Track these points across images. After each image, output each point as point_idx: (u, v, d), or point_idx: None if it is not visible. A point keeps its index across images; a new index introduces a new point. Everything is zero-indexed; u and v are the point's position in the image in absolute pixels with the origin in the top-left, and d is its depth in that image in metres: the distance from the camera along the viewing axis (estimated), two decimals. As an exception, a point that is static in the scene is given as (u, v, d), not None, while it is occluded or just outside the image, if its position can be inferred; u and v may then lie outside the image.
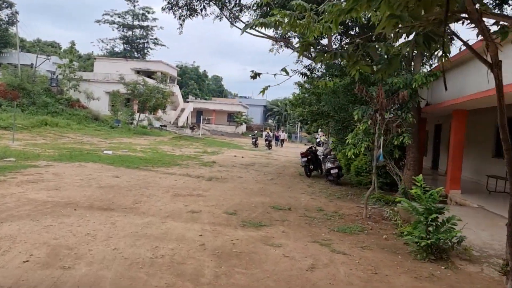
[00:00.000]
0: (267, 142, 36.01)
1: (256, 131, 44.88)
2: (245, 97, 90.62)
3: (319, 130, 55.00)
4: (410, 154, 12.45)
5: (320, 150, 18.13)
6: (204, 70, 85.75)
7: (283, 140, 43.87)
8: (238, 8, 14.62)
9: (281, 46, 15.76)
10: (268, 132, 40.02)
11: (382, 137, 9.41)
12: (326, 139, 49.82)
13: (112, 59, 56.36)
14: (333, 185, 13.88)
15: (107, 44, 70.79)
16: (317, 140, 56.79)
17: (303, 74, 14.34)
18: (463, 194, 11.53)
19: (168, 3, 14.42)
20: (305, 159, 16.05)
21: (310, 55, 13.22)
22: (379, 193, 11.41)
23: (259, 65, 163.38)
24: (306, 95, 13.89)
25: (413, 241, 6.19)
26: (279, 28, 4.81)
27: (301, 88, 13.59)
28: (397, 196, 11.81)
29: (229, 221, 7.46)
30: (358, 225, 7.86)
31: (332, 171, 13.94)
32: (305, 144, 52.77)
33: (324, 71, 13.34)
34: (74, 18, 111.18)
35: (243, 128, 67.81)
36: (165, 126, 46.22)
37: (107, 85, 43.00)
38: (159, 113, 43.67)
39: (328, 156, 14.58)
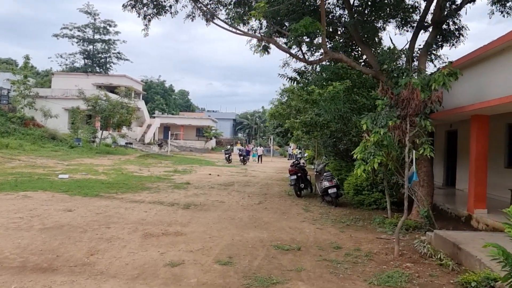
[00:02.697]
0: (242, 157, 33.84)
1: (229, 146, 42.61)
2: (213, 111, 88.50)
3: (290, 143, 53.59)
4: (422, 168, 10.58)
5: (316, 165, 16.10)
6: (171, 85, 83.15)
7: (260, 156, 41.46)
8: (214, 4, 12.57)
9: (265, 48, 13.82)
10: (242, 147, 37.91)
11: (413, 151, 7.46)
12: (300, 152, 48.28)
13: (72, 74, 53.13)
14: (332, 207, 11.89)
15: (66, 60, 67.27)
16: (290, 153, 55.25)
17: (292, 79, 12.39)
18: (490, 213, 9.77)
19: (131, -1, 12.24)
20: (295, 177, 14.01)
21: (302, 56, 11.27)
22: (397, 217, 9.48)
23: (224, 80, 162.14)
24: (294, 104, 11.89)
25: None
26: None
27: (290, 95, 11.59)
28: (411, 220, 9.96)
29: (226, 278, 5.25)
30: (396, 270, 5.82)
31: (330, 191, 11.95)
32: (288, 159, 50.73)
33: (317, 74, 11.43)
34: (30, 35, 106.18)
35: (212, 143, 65.44)
36: (131, 143, 43.32)
37: (66, 101, 39.90)
38: (124, 130, 40.79)
39: (325, 174, 12.58)
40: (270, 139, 64.62)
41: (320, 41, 12.03)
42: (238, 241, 7.25)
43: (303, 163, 15.72)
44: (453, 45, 11.86)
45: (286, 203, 12.54)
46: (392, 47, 12.11)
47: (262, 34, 11.10)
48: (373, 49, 13.27)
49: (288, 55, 14.41)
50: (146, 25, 12.95)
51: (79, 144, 32.77)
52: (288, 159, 54.30)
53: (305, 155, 47.95)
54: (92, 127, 36.56)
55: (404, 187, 9.94)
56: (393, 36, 14.43)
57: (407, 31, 13.41)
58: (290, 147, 58.41)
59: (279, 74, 12.07)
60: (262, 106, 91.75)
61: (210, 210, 10.49)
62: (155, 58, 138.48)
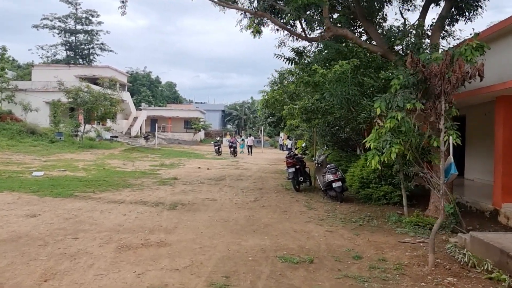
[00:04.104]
0: (232, 149, 32.42)
1: (218, 138, 41.01)
2: (201, 103, 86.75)
3: (281, 133, 52.21)
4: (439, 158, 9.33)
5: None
6: (157, 76, 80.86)
7: (251, 147, 37.98)
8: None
9: (258, 25, 12.42)
10: (233, 138, 36.22)
11: (450, 137, 6.18)
12: (291, 142, 46.98)
13: (53, 66, 50.97)
14: (337, 203, 10.61)
15: (48, 51, 64.72)
16: (280, 143, 53.95)
17: (290, 60, 11.00)
18: (519, 207, 8.57)
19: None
20: (293, 169, 12.67)
21: (303, 32, 9.89)
22: (417, 214, 8.22)
23: (211, 71, 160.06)
24: (293, 87, 10.49)
25: None
26: None
27: (291, 77, 10.19)
28: (429, 216, 8.71)
29: (223, 311, 3.92)
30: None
31: (334, 185, 10.65)
32: (280, 150, 49.22)
33: (319, 53, 10.05)
34: (12, 29, 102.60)
35: (201, 134, 63.80)
36: (116, 137, 41.60)
37: (46, 94, 38.08)
38: (109, 123, 39.07)
39: (328, 166, 11.26)
40: (261, 129, 63.35)
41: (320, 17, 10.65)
42: (235, 252, 5.90)
43: (301, 154, 14.40)
44: (469, 19, 10.56)
45: (285, 199, 11.22)
46: (402, 22, 10.83)
47: (256, 9, 9.66)
48: (377, 27, 11.99)
49: (284, 33, 13.10)
50: (123, 1, 11.46)
51: (60, 138, 31.04)
52: (280, 150, 53.05)
53: (294, 145, 46.86)
54: (75, 121, 34.80)
55: (415, 181, 8.73)
56: (398, 14, 13.33)
57: (414, 7, 12.10)
58: (280, 137, 57.12)
59: (275, 54, 10.70)
60: (251, 96, 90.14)
61: (200, 211, 9.13)
62: (141, 50, 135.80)
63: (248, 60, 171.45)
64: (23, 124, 31.76)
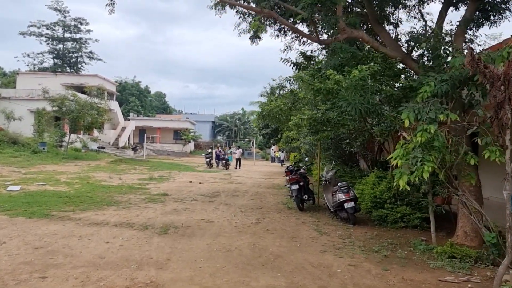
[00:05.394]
0: (225, 161, 31.21)
1: (209, 150, 39.61)
2: (191, 113, 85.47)
3: (272, 144, 51.09)
4: (467, 177, 8.24)
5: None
6: (146, 86, 79.58)
7: (239, 160, 33.82)
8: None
9: (267, 22, 11.37)
10: (219, 150, 34.71)
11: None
12: (283, 154, 45.87)
13: (38, 73, 49.31)
14: (350, 226, 9.46)
15: (34, 59, 62.93)
16: (272, 156, 52.76)
17: (298, 65, 9.89)
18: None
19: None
20: (297, 186, 11.50)
21: (315, 34, 8.79)
22: (452, 243, 7.09)
23: (200, 82, 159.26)
24: (303, 95, 9.37)
25: None
26: None
27: (300, 83, 9.08)
28: (459, 244, 7.58)
29: None
30: None
31: (346, 205, 9.50)
32: (275, 162, 47.51)
33: (330, 57, 8.95)
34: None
35: (191, 146, 62.40)
36: (103, 147, 40.03)
37: (31, 102, 36.50)
38: (96, 133, 37.57)
39: (339, 184, 10.08)
40: (252, 141, 62.16)
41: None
42: (245, 298, 4.69)
43: (304, 169, 13.24)
44: (494, 22, 9.59)
45: (290, 220, 10.01)
46: (421, 25, 9.81)
47: (262, 7, 8.54)
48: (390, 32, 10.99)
49: (287, 38, 12.07)
50: (111, -1, 10.29)
51: (43, 149, 29.44)
52: (271, 162, 51.88)
53: (287, 157, 45.72)
54: (60, 130, 33.27)
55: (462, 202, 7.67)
56: (409, 19, 12.43)
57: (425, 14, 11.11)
58: (272, 149, 56.00)
59: (281, 59, 9.59)
60: (242, 107, 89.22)
61: (196, 236, 7.88)
62: (130, 60, 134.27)
63: (235, 71, 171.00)
64: (4, 133, 30.14)
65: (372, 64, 7.95)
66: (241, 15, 13.80)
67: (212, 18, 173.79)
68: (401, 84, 8.39)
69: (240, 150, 36.81)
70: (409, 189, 6.45)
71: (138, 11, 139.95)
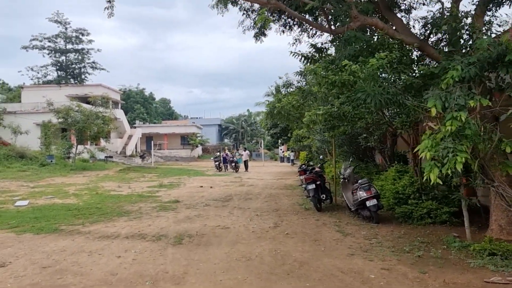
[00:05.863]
0: (234, 164, 30.76)
1: (218, 153, 39.20)
2: (197, 118, 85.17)
3: (281, 144, 50.52)
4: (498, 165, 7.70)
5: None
6: (151, 92, 79.31)
7: (246, 162, 32.81)
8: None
9: (274, 16, 10.91)
10: (225, 153, 34.09)
11: None
12: (293, 154, 45.27)
13: (43, 86, 49.28)
14: (373, 224, 8.94)
15: (38, 72, 63.03)
16: (281, 156, 52.11)
17: (309, 58, 9.40)
18: None
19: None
20: (313, 186, 10.99)
21: (327, 23, 8.30)
22: (491, 239, 6.56)
23: (204, 87, 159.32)
24: (316, 89, 8.86)
25: None
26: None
27: (313, 76, 8.60)
28: (495, 239, 7.03)
29: None
30: None
31: (368, 203, 8.98)
32: (294, 164, 46.29)
33: (343, 47, 8.44)
34: (3, 54, 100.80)
35: (199, 150, 62.04)
36: (111, 157, 39.80)
37: (36, 116, 36.38)
38: (103, 142, 37.35)
39: (360, 181, 9.56)
40: (260, 142, 61.68)
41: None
42: (274, 314, 4.21)
43: (319, 167, 12.73)
44: (515, 0, 9.01)
45: (309, 222, 9.51)
46: (438, 8, 9.27)
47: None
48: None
49: (294, 33, 11.61)
50: (110, 1, 9.90)
51: (51, 161, 29.19)
52: (280, 162, 51.34)
53: (291, 156, 45.05)
54: (68, 142, 33.03)
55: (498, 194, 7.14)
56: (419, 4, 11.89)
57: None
58: (281, 149, 55.42)
59: (290, 52, 9.10)
60: (248, 109, 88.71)
61: (213, 245, 7.41)
62: (132, 69, 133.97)
63: (237, 73, 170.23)
64: (11, 148, 29.97)
65: (392, 52, 7.43)
66: (245, 12, 13.35)
67: (211, 23, 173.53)
68: (421, 72, 7.85)
69: (247, 152, 36.07)
70: (441, 182, 5.94)
71: (137, 19, 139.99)
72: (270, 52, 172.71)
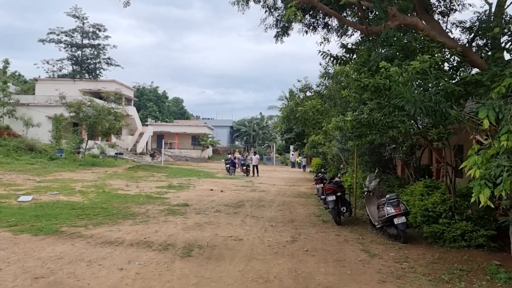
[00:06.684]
0: (245, 167, 30.04)
1: (229, 155, 38.44)
2: (209, 119, 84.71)
3: (294, 150, 49.63)
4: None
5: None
6: (164, 91, 78.90)
7: (256, 166, 31.01)
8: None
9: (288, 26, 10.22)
10: (238, 156, 33.27)
11: None
12: (305, 159, 44.43)
13: (57, 80, 49.04)
14: (400, 243, 8.14)
15: (54, 66, 62.92)
16: (292, 161, 51.23)
17: (337, 59, 8.66)
18: None
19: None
20: (334, 197, 10.21)
21: (361, 22, 7.55)
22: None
23: (216, 88, 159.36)
24: (346, 93, 8.11)
25: None
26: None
27: (345, 78, 7.87)
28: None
29: None
30: None
31: (397, 221, 8.18)
32: (296, 168, 45.05)
33: (378, 48, 7.70)
34: (22, 47, 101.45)
35: (209, 151, 61.45)
36: (121, 154, 39.31)
37: (49, 109, 36.01)
38: (113, 139, 36.87)
39: (387, 196, 8.76)
40: (272, 146, 60.89)
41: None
42: None
43: (339, 177, 11.97)
44: None
45: (329, 237, 8.73)
46: (485, 10, 8.47)
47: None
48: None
49: (320, 33, 10.89)
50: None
51: (61, 155, 28.77)
52: (291, 168, 50.52)
53: (301, 160, 44.14)
54: (79, 137, 32.65)
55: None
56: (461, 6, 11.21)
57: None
58: (292, 154, 54.54)
59: (319, 51, 8.38)
60: (260, 112, 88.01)
61: (225, 259, 6.68)
62: (147, 67, 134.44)
63: (251, 76, 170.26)
64: (22, 140, 29.59)
65: (437, 55, 6.68)
66: (267, 9, 12.71)
67: (227, 25, 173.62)
68: (464, 78, 7.08)
69: (257, 156, 34.29)
70: (492, 205, 5.15)
71: (154, 19, 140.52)
72: (285, 57, 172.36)
